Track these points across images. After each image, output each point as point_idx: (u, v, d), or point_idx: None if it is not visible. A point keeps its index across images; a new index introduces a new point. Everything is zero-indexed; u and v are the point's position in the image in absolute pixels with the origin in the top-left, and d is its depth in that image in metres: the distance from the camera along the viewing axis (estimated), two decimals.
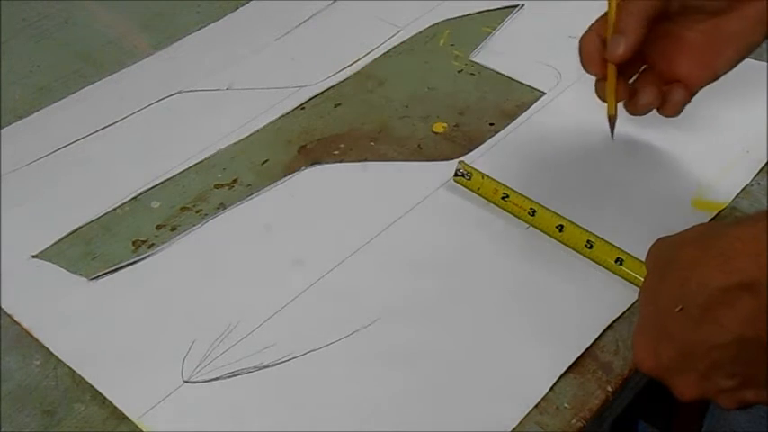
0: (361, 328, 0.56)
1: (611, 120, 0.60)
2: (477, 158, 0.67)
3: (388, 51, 0.77)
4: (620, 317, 0.56)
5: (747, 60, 0.75)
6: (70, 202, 0.64)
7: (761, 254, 0.42)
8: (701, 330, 0.45)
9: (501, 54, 0.77)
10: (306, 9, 0.82)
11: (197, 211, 0.64)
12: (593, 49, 0.58)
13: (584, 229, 0.60)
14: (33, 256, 0.60)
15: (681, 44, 0.59)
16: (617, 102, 0.60)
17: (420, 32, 0.79)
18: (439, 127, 0.70)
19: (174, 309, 0.57)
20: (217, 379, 0.53)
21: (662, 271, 0.48)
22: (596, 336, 0.55)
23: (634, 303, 0.56)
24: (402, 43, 0.78)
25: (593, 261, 0.59)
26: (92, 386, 0.53)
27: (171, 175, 0.66)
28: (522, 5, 0.82)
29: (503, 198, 0.62)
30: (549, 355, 0.54)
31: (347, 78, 0.75)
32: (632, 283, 0.57)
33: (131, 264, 0.60)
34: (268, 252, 0.60)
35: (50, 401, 0.52)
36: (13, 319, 0.56)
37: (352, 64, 0.76)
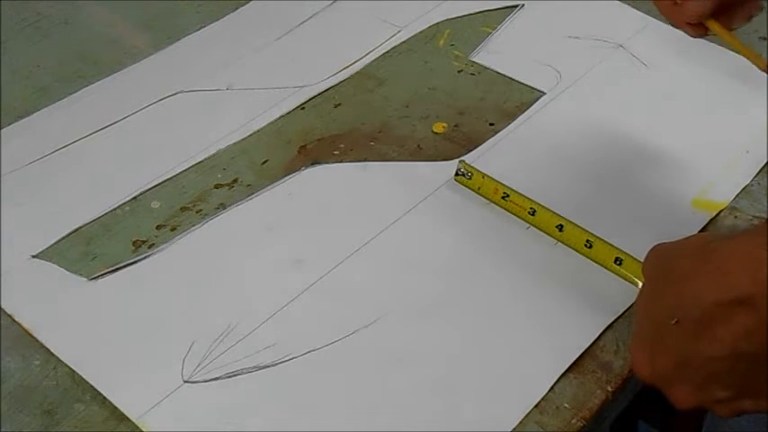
0: (361, 328, 0.56)
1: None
2: (477, 158, 0.67)
3: (388, 51, 0.77)
4: (619, 317, 0.56)
5: (747, 60, 0.76)
6: (70, 202, 0.64)
7: (756, 269, 0.42)
8: (696, 344, 0.45)
9: (501, 54, 0.77)
10: (306, 9, 0.82)
11: (197, 211, 0.64)
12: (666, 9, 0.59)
13: (583, 229, 0.60)
14: (33, 256, 0.60)
15: None
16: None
17: (420, 32, 0.79)
18: (439, 127, 0.70)
19: (174, 309, 0.57)
20: (217, 379, 0.53)
21: (658, 282, 0.48)
22: (596, 336, 0.55)
23: (634, 303, 0.56)
24: (402, 43, 0.78)
25: (593, 261, 0.59)
26: (92, 386, 0.53)
27: (171, 175, 0.66)
28: (522, 5, 0.82)
29: (503, 198, 0.62)
30: (549, 355, 0.54)
31: (347, 78, 0.75)
32: (632, 283, 0.57)
33: (131, 264, 0.60)
34: (268, 252, 0.60)
35: (50, 401, 0.52)
36: (13, 319, 0.56)
37: (352, 64, 0.76)
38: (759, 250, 0.42)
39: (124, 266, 0.60)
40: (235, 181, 0.66)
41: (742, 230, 0.48)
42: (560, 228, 0.60)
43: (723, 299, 0.43)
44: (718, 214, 0.63)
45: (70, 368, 0.54)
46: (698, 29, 0.59)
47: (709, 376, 0.45)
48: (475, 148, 0.68)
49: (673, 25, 0.60)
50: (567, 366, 0.53)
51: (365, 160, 0.67)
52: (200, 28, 0.80)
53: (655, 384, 0.48)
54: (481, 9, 0.82)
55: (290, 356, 0.54)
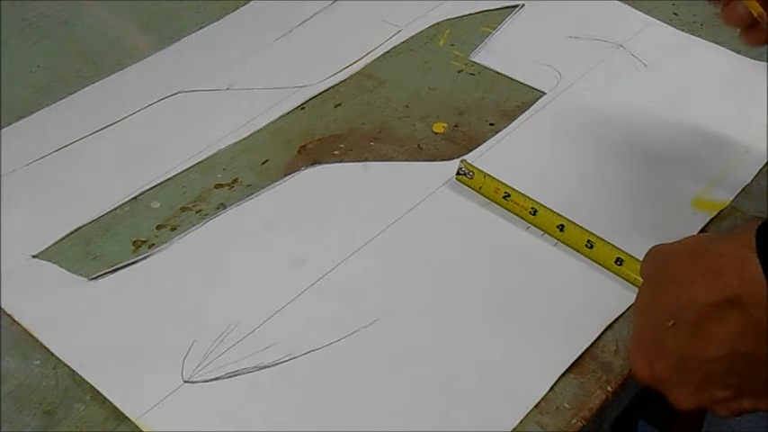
0: (361, 328, 0.56)
1: None
2: (478, 158, 0.67)
3: (388, 51, 0.77)
4: (619, 317, 0.56)
5: (747, 60, 0.76)
6: (70, 202, 0.64)
7: (744, 269, 0.42)
8: (693, 345, 0.45)
9: (501, 54, 0.77)
10: (306, 9, 0.82)
11: (197, 211, 0.64)
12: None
13: (584, 229, 0.60)
14: (33, 256, 0.60)
15: None
16: None
17: (420, 32, 0.79)
18: (439, 127, 0.70)
19: (174, 309, 0.57)
20: (217, 379, 0.53)
21: (655, 284, 0.48)
22: (596, 336, 0.55)
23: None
24: (402, 43, 0.78)
25: (594, 261, 0.59)
26: (92, 386, 0.53)
27: (171, 175, 0.66)
28: (522, 5, 0.82)
29: (504, 197, 0.62)
30: (549, 355, 0.54)
31: (347, 78, 0.75)
32: (632, 283, 0.57)
33: (131, 264, 0.60)
34: (268, 252, 0.60)
35: (50, 401, 0.52)
36: (13, 319, 0.56)
37: (352, 64, 0.76)
38: (746, 250, 0.42)
39: (124, 266, 0.60)
40: (235, 181, 0.66)
41: (732, 230, 0.48)
42: (561, 228, 0.60)
43: (716, 300, 0.43)
44: (718, 214, 0.63)
45: (70, 368, 0.54)
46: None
47: (707, 377, 0.45)
48: (475, 148, 0.68)
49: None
50: (567, 366, 0.53)
51: (365, 160, 0.67)
52: (200, 28, 0.80)
53: (654, 386, 0.49)
54: (481, 9, 0.82)
55: (291, 356, 0.54)
